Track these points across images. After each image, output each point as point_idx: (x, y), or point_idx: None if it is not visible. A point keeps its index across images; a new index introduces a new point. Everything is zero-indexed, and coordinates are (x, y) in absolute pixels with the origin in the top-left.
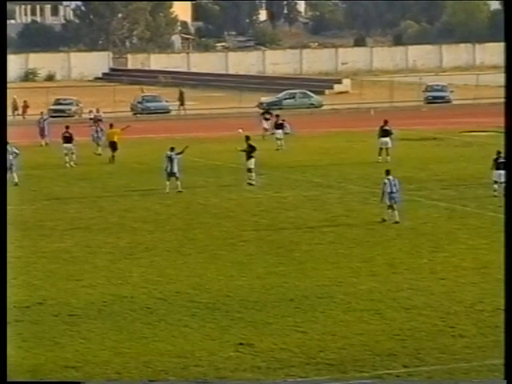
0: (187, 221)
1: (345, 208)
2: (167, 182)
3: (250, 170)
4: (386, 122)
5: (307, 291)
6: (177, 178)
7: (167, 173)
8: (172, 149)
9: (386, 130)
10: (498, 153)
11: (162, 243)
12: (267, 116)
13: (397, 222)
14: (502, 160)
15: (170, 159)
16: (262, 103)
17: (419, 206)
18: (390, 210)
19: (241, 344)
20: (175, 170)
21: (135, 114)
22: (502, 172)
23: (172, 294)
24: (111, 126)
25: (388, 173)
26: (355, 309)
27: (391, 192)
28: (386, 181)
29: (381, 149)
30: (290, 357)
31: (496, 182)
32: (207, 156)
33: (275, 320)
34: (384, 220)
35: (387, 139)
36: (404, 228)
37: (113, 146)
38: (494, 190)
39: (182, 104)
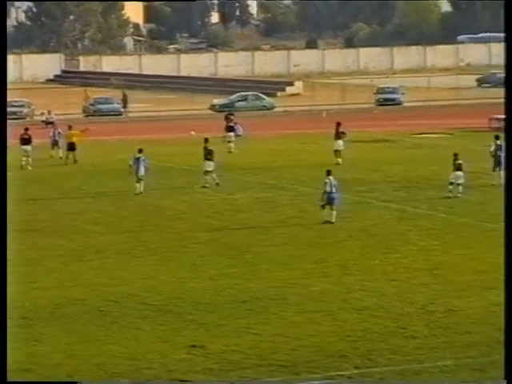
0: (139, 223)
1: (297, 210)
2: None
3: (206, 173)
4: (339, 125)
5: (260, 293)
6: (139, 181)
7: (135, 174)
8: (140, 150)
9: (340, 132)
10: (455, 155)
11: (114, 245)
12: (229, 119)
13: (328, 222)
14: (459, 162)
15: (137, 161)
16: (214, 105)
17: (371, 208)
18: (325, 210)
19: (193, 346)
20: (141, 172)
21: (87, 116)
22: (460, 173)
23: (124, 297)
24: (70, 127)
25: (328, 173)
26: (307, 310)
27: (330, 192)
28: (327, 180)
29: (335, 150)
30: (242, 358)
31: (452, 184)
32: (159, 158)
33: (227, 322)
34: (331, 222)
35: (340, 141)
36: (355, 229)
37: (71, 147)
38: (449, 191)
39: (124, 106)
